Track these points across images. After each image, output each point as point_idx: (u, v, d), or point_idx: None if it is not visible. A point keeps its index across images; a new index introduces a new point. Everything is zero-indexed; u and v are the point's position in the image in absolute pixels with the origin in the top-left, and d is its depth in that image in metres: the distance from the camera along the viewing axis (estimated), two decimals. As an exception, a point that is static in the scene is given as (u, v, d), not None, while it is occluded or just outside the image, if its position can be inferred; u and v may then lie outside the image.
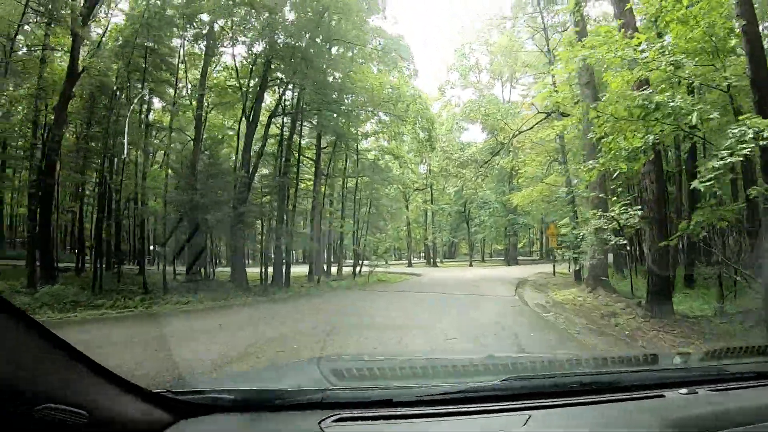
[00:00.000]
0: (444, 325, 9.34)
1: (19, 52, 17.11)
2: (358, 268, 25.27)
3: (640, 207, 13.70)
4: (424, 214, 43.01)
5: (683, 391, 1.88)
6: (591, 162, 10.90)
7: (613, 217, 12.86)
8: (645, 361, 2.44)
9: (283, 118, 20.91)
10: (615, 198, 13.24)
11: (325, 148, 23.82)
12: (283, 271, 19.85)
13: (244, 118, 19.03)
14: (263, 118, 20.24)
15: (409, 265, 40.38)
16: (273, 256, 20.85)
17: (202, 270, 19.19)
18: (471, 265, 37.82)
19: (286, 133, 21.15)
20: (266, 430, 1.61)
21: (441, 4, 72.40)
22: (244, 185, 17.95)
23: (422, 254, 49.79)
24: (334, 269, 25.89)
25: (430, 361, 2.46)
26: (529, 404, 1.74)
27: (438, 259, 49.05)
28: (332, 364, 2.32)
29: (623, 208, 12.68)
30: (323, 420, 1.57)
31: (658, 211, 10.22)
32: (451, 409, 1.71)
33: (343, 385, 1.90)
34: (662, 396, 1.86)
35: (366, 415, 1.64)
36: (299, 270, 23.13)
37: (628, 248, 16.66)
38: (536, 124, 22.10)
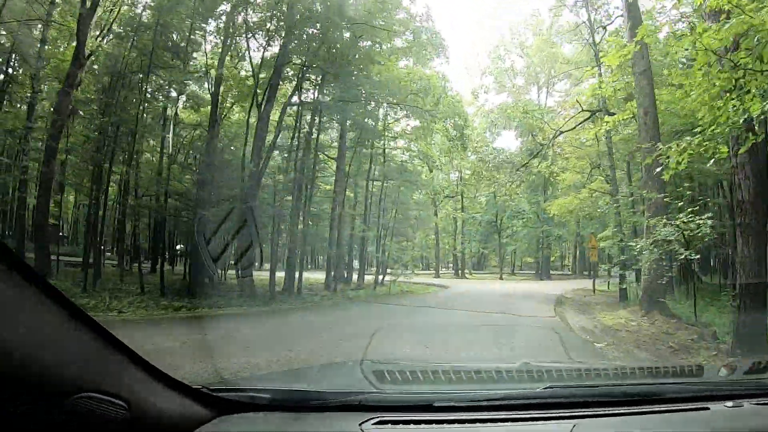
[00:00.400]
0: (475, 357, 7.26)
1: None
2: (381, 277, 23.30)
3: (710, 215, 11.44)
4: (454, 223, 40.90)
5: (729, 404, 1.81)
6: (663, 147, 8.71)
7: (679, 226, 10.67)
8: (690, 373, 2.45)
9: (299, 108, 19.13)
10: (681, 204, 11.06)
11: (350, 148, 22.18)
12: (297, 277, 18.16)
13: (255, 107, 17.29)
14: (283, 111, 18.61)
15: (437, 275, 38.23)
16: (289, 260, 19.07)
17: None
18: (501, 278, 35.42)
19: (305, 128, 19.41)
20: (305, 430, 1.56)
21: (475, 4, 69.67)
22: (254, 181, 16.24)
23: (450, 264, 47.74)
24: (357, 277, 24.06)
25: (472, 367, 2.32)
26: (573, 413, 1.68)
27: (467, 271, 46.85)
28: (374, 366, 2.18)
29: (690, 215, 10.53)
30: (364, 422, 1.54)
31: (756, 217, 7.81)
32: (493, 415, 1.67)
33: (384, 388, 1.87)
34: (707, 408, 1.79)
35: (407, 418, 1.61)
36: (319, 276, 21.55)
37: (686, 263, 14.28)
38: (581, 123, 19.86)
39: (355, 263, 24.78)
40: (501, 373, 2.30)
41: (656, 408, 1.80)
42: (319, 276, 21.68)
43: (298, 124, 19.49)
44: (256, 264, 17.81)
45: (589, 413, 1.72)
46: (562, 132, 20.04)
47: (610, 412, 1.76)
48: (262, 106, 17.24)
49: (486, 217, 38.48)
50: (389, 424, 1.58)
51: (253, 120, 17.80)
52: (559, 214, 24.62)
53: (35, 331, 1.17)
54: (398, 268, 24.16)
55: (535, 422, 1.67)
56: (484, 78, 33.86)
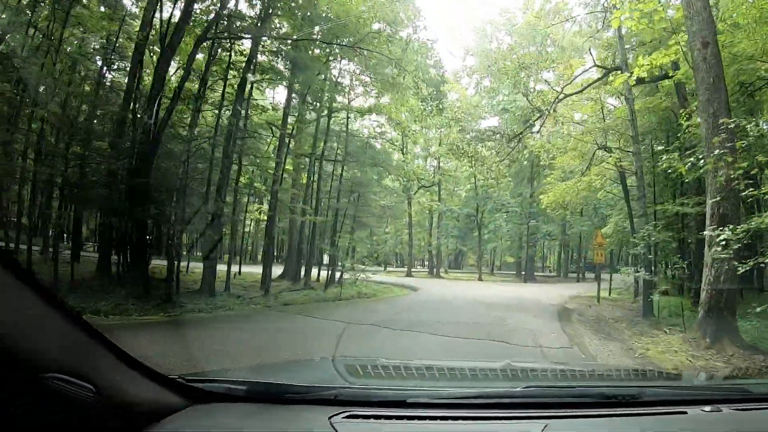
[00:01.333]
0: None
1: None
2: (338, 275, 18.68)
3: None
4: (430, 217, 36.41)
5: (707, 408, 1.78)
6: None
7: None
8: (669, 377, 2.56)
9: (230, 54, 14.28)
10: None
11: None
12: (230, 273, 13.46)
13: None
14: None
15: (408, 274, 33.68)
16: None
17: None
18: (480, 278, 30.95)
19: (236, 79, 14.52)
20: (276, 422, 1.54)
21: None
22: (148, 142, 11.37)
23: (427, 262, 43.61)
24: (317, 274, 19.55)
25: (451, 365, 2.29)
26: (547, 413, 1.67)
27: (442, 269, 42.62)
28: (347, 362, 2.15)
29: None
30: (334, 416, 1.52)
31: None
32: (466, 413, 1.65)
33: (357, 383, 1.86)
34: (685, 413, 1.77)
35: (379, 414, 1.59)
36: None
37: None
38: (592, 84, 15.32)
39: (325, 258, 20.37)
40: (477, 371, 2.21)
41: (633, 411, 1.74)
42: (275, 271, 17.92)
43: (226, 74, 14.61)
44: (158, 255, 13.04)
45: (563, 414, 1.67)
46: (566, 95, 15.40)
47: (585, 413, 1.71)
48: (167, 39, 12.32)
49: (465, 210, 33.98)
50: (360, 419, 1.54)
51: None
52: (551, 205, 20.27)
53: (11, 312, 1.19)
54: (360, 265, 19.51)
55: (508, 421, 1.62)
56: (468, 59, 29.45)
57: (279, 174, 16.85)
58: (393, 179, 28.75)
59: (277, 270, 19.23)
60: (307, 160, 19.71)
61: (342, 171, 20.44)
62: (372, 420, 1.56)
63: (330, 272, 18.72)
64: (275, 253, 24.57)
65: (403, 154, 34.26)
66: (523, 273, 32.70)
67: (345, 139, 21.08)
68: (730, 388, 2.19)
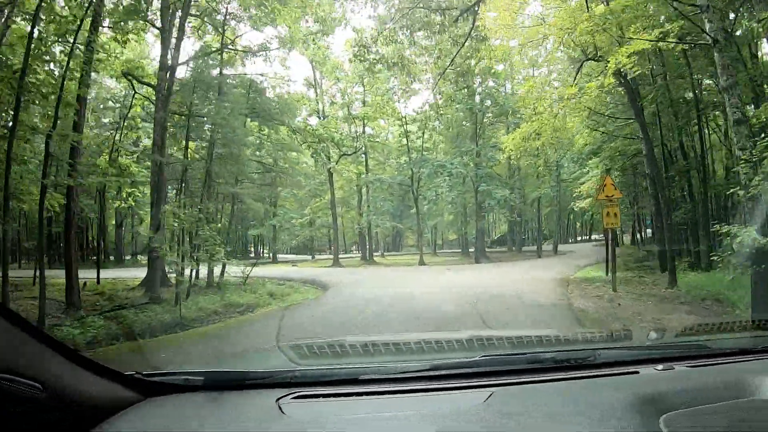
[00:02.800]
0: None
1: None
2: (190, 273, 11.62)
3: None
4: (358, 192, 29.47)
5: (659, 367, 1.75)
6: None
7: None
8: (620, 338, 2.48)
9: None
10: None
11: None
12: None
13: None
14: None
15: (336, 262, 26.81)
16: None
17: None
18: (422, 262, 24.39)
19: None
20: (228, 409, 1.48)
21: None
22: None
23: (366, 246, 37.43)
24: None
25: (405, 339, 2.34)
26: (496, 381, 1.63)
27: (379, 253, 36.00)
28: (296, 345, 2.10)
29: None
30: (282, 398, 1.49)
31: None
32: (418, 386, 1.61)
33: (306, 364, 1.84)
34: (636, 372, 1.72)
35: (328, 392, 1.56)
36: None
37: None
38: None
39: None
40: (432, 343, 2.16)
41: (583, 374, 1.71)
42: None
43: None
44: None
45: (512, 381, 1.63)
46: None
47: (534, 379, 1.65)
48: None
49: (399, 178, 27.26)
50: (309, 398, 1.51)
51: None
52: (516, 152, 13.87)
53: None
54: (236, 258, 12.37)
55: (457, 391, 1.57)
56: None
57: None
58: (304, 145, 21.60)
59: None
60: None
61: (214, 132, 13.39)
62: (321, 399, 1.52)
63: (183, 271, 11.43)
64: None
65: (320, 117, 27.19)
66: (473, 250, 26.63)
67: (218, 87, 14.04)
68: (686, 345, 2.15)
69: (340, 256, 29.78)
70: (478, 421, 1.38)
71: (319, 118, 27.05)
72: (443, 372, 1.69)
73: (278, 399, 1.48)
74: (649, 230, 32.57)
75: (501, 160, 22.24)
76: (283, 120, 17.35)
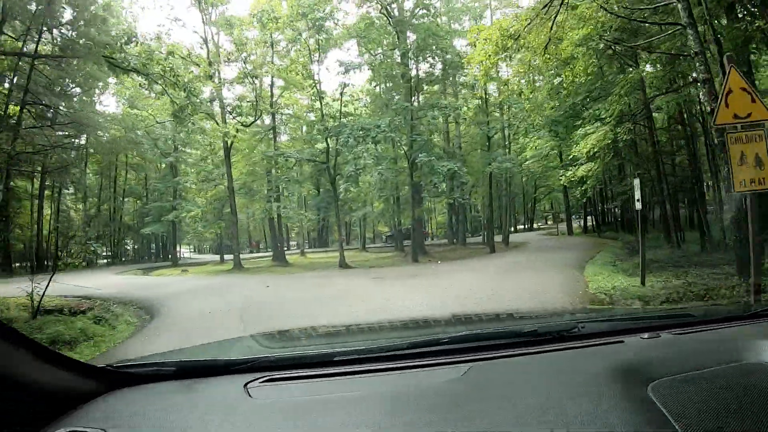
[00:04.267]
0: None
1: None
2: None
3: None
4: (265, 175, 22.76)
5: (645, 335, 1.67)
6: None
7: None
8: (603, 310, 2.48)
9: None
10: None
11: None
12: None
13: None
14: None
15: (237, 266, 21.11)
16: None
17: None
18: (344, 264, 18.25)
19: None
20: (197, 396, 1.42)
21: None
22: None
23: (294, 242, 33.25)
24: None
25: (385, 320, 2.29)
26: (475, 356, 1.55)
27: (299, 250, 29.98)
28: (268, 333, 2.08)
29: None
30: (251, 382, 1.43)
31: None
32: (393, 364, 1.52)
33: (277, 347, 1.83)
34: (621, 342, 1.64)
35: (300, 375, 1.49)
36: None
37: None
38: None
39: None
40: (409, 323, 2.17)
41: (566, 345, 1.62)
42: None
43: None
44: None
45: (492, 355, 1.56)
46: None
47: (515, 352, 1.58)
48: None
49: (308, 152, 20.79)
50: (280, 382, 1.45)
51: None
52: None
53: None
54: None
55: (435, 368, 1.49)
56: None
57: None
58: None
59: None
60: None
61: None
62: (292, 381, 1.47)
63: None
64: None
65: (214, 81, 20.51)
66: (409, 244, 20.84)
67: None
68: (672, 314, 2.12)
69: (254, 255, 23.76)
70: (454, 395, 1.33)
71: (213, 80, 20.50)
72: (421, 350, 1.62)
73: (247, 383, 1.43)
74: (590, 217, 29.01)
75: (439, 124, 16.56)
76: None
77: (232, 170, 21.85)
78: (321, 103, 19.57)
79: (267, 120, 22.29)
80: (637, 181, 8.06)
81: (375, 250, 28.62)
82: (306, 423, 1.24)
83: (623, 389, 1.24)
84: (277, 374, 1.48)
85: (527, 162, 25.38)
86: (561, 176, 14.35)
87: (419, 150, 16.44)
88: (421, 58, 20.13)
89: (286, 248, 28.39)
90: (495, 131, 20.70)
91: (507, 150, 20.31)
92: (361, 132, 15.81)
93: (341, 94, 19.77)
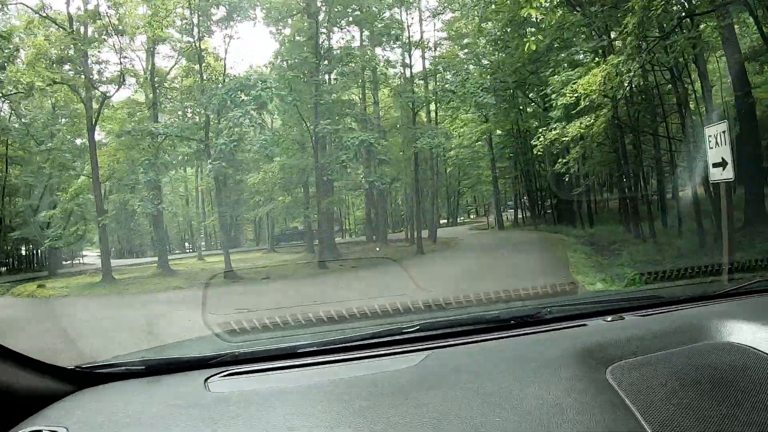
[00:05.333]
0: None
1: None
2: None
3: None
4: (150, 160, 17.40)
5: (608, 318, 1.68)
6: None
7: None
8: (566, 292, 2.38)
9: None
10: None
11: None
12: None
13: None
14: None
15: (106, 277, 16.88)
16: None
17: None
18: (231, 273, 13.53)
19: None
20: (159, 393, 1.43)
21: None
22: None
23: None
24: None
25: (343, 310, 2.15)
26: (435, 344, 1.54)
27: (198, 254, 24.98)
28: (227, 326, 1.99)
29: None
30: (210, 377, 1.44)
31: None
32: (355, 354, 1.54)
33: (241, 341, 1.78)
34: (584, 325, 1.64)
35: (262, 368, 1.50)
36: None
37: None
38: None
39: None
40: (378, 311, 2.10)
41: (529, 330, 1.62)
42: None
43: None
44: None
45: (452, 342, 1.55)
46: None
47: (475, 339, 1.58)
48: None
49: (178, 125, 15.75)
50: (241, 375, 1.46)
51: None
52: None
53: None
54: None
55: (394, 356, 1.49)
56: None
57: None
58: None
59: None
60: None
61: None
62: (253, 374, 1.47)
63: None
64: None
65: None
66: (317, 243, 16.56)
67: None
68: (638, 296, 2.08)
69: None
70: (407, 382, 1.31)
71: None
72: (383, 339, 1.61)
73: (207, 378, 1.44)
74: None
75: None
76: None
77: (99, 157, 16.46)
78: (201, 65, 14.69)
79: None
80: (719, 128, 4.46)
81: (286, 250, 23.92)
82: (258, 413, 1.22)
83: (580, 372, 1.22)
84: (237, 368, 1.47)
85: (452, 151, 22.94)
86: (535, 142, 10.49)
87: (325, 113, 12.09)
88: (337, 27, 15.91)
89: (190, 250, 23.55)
90: (421, 104, 16.86)
91: (436, 125, 16.58)
92: (239, 88, 11.16)
93: (226, 51, 14.94)
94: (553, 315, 1.70)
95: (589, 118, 8.08)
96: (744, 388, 1.10)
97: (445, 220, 36.53)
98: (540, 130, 10.40)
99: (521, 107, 20.37)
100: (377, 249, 18.34)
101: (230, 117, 12.29)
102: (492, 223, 25.49)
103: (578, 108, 8.21)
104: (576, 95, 7.69)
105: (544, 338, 1.55)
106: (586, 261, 9.90)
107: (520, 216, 26.28)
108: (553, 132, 9.04)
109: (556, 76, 9.23)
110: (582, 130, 8.15)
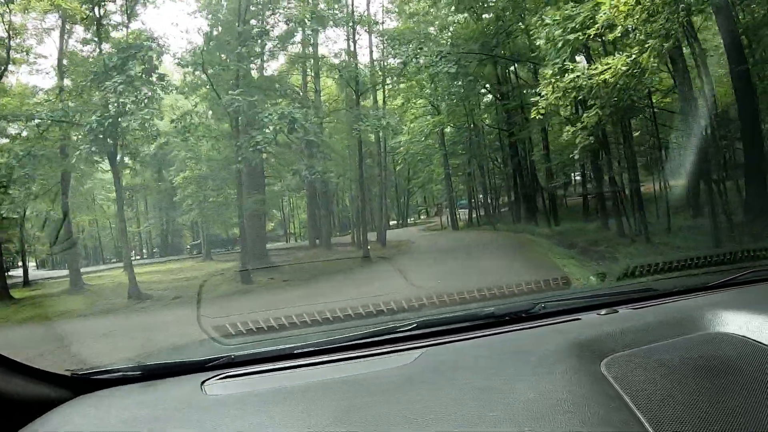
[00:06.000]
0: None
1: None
2: None
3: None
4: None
5: (602, 312, 1.65)
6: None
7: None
8: (558, 287, 2.35)
9: None
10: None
11: None
12: None
13: None
14: None
15: None
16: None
17: None
18: (135, 291, 10.57)
19: None
20: (156, 397, 1.40)
21: None
22: None
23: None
24: None
25: (338, 309, 2.12)
26: (429, 342, 1.53)
27: (124, 264, 21.37)
28: (221, 328, 1.98)
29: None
30: (207, 380, 1.42)
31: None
32: (350, 354, 1.52)
33: (235, 344, 1.75)
34: (579, 319, 1.63)
35: (257, 370, 1.48)
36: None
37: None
38: None
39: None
40: (382, 309, 2.10)
41: (524, 326, 1.61)
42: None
43: None
44: None
45: (446, 340, 1.54)
46: None
47: (469, 336, 1.56)
48: None
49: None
50: (238, 378, 1.43)
51: None
52: None
53: None
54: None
55: (389, 355, 1.47)
56: None
57: None
58: None
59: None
60: None
61: None
62: (249, 377, 1.44)
63: None
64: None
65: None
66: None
67: None
68: (630, 289, 2.02)
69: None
70: (403, 380, 1.30)
71: None
72: (379, 338, 1.59)
73: (203, 382, 1.42)
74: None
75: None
76: None
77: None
78: (99, 35, 11.66)
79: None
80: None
81: (224, 257, 20.89)
82: (255, 415, 1.21)
83: (576, 366, 1.21)
84: (233, 371, 1.45)
85: (402, 147, 21.55)
86: (535, 105, 8.18)
87: (246, 86, 9.46)
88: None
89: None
90: (367, 88, 14.52)
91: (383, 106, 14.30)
92: (126, 56, 8.36)
93: (128, 15, 11.98)
94: (547, 310, 1.68)
95: (626, 55, 5.81)
96: (737, 378, 1.11)
97: (395, 221, 34.50)
98: (547, 73, 7.95)
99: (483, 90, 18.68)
100: (317, 255, 15.84)
101: (107, 87, 9.34)
102: (445, 224, 23.62)
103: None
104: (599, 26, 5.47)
105: (539, 333, 1.52)
106: (581, 268, 7.93)
107: (474, 215, 24.59)
108: (572, 75, 6.71)
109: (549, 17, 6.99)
110: (626, 67, 5.92)
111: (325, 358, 1.48)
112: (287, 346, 1.61)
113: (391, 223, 34.44)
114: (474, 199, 24.85)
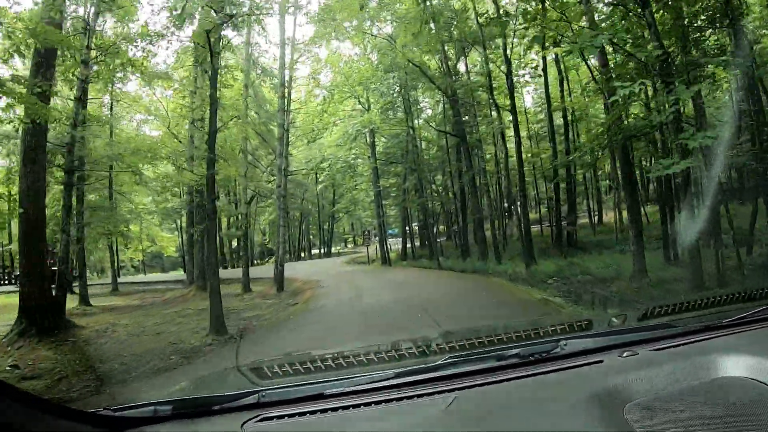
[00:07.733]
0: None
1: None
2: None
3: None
4: None
5: (624, 354, 1.59)
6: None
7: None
8: (581, 328, 2.23)
9: None
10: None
11: None
12: None
13: None
14: None
15: None
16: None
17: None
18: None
19: None
20: None
21: None
22: None
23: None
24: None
25: (368, 349, 1.99)
26: (459, 384, 1.47)
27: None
28: (255, 365, 1.95)
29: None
30: (246, 422, 1.36)
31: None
32: (382, 397, 1.44)
33: (270, 383, 1.64)
34: (601, 361, 1.56)
35: (294, 411, 1.41)
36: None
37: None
38: None
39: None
40: (411, 349, 1.99)
41: (548, 368, 1.55)
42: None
43: None
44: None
45: (477, 382, 1.48)
46: None
47: (498, 378, 1.50)
48: None
49: None
50: (274, 420, 1.38)
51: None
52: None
53: None
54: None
55: (422, 398, 1.42)
56: None
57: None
58: None
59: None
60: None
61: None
62: (286, 419, 1.39)
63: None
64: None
65: None
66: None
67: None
68: (645, 328, 1.89)
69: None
70: (441, 429, 1.31)
71: None
72: (408, 379, 1.54)
73: (243, 423, 1.37)
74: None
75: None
76: None
77: None
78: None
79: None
80: None
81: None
82: None
83: (600, 413, 1.22)
84: (272, 412, 1.43)
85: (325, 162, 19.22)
86: None
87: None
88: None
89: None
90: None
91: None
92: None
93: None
94: (571, 350, 1.64)
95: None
96: (759, 424, 1.11)
97: (319, 251, 29.31)
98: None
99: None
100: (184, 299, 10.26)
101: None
102: (373, 256, 18.77)
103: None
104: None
105: (565, 377, 1.50)
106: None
107: (408, 246, 19.93)
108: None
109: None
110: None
111: (354, 400, 1.41)
112: (318, 386, 1.53)
113: (314, 252, 29.37)
114: (408, 226, 20.43)
